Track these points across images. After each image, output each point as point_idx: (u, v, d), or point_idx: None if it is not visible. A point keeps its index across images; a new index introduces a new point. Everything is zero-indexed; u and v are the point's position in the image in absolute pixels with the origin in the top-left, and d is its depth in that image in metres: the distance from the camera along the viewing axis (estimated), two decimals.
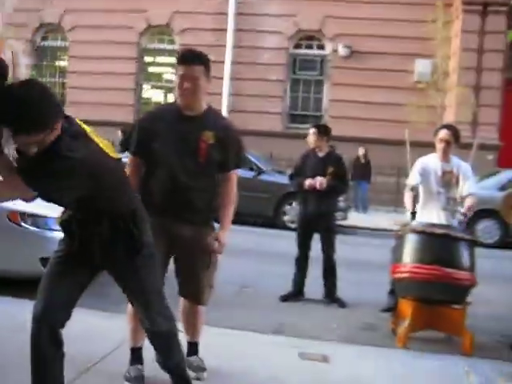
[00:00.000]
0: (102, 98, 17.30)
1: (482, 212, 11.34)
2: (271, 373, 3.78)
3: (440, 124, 12.02)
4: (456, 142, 5.23)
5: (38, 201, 2.67)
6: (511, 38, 7.54)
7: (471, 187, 5.20)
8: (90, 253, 2.73)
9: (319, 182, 6.11)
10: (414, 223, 5.08)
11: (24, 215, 5.44)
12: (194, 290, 3.51)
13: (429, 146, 5.58)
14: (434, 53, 15.89)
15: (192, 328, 3.65)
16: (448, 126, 5.49)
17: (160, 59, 18.85)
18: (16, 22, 17.44)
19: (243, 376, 3.70)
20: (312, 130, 6.40)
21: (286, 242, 7.69)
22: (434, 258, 4.60)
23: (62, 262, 2.80)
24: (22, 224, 5.40)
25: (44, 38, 19.29)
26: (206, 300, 3.55)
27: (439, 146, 5.21)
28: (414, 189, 5.33)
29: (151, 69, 19.06)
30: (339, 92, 16.89)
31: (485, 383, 3.97)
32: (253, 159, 12.42)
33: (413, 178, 5.33)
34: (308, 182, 6.15)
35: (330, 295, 6.19)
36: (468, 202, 5.05)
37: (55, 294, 2.74)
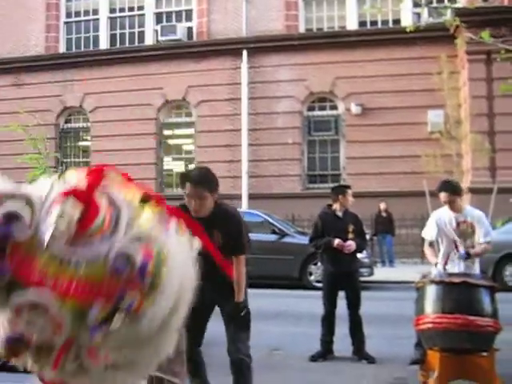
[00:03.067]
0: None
1: (509, 256, 11.33)
2: None
3: (455, 173, 12.13)
4: (459, 196, 5.38)
5: None
6: (503, 89, 7.68)
7: (487, 235, 5.33)
8: None
9: (348, 246, 6.27)
10: (432, 274, 5.19)
11: None
12: None
13: None
14: (444, 103, 16.19)
15: None
16: (445, 187, 5.43)
17: (178, 132, 19.46)
18: (40, 108, 18.30)
19: None
20: (350, 191, 6.61)
21: (313, 302, 7.78)
22: (455, 307, 4.68)
23: None
24: None
25: (67, 121, 20.10)
26: None
27: (444, 205, 5.39)
28: (432, 243, 5.50)
29: (170, 142, 19.63)
30: (355, 149, 17.19)
31: None
32: (274, 222, 12.63)
33: (429, 234, 5.50)
34: (337, 242, 6.30)
35: (359, 352, 6.24)
36: (478, 247, 5.21)
37: None
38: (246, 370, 4.14)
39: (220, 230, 3.74)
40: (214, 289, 3.75)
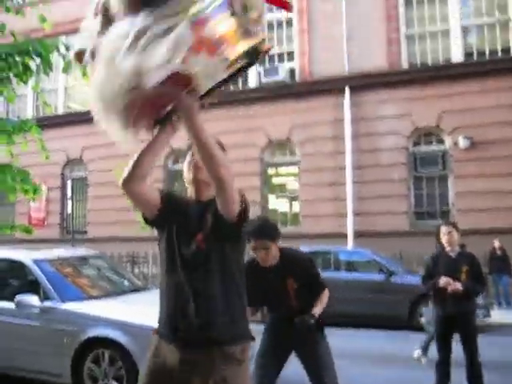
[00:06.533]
0: None
1: None
2: None
3: None
4: None
5: None
6: None
7: None
8: None
9: (453, 286, 5.92)
10: None
11: None
12: None
13: None
14: None
15: None
16: None
17: (282, 170, 19.59)
18: None
19: None
20: (446, 229, 6.20)
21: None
22: None
23: None
24: None
25: (175, 163, 20.82)
26: None
27: None
28: None
29: (275, 180, 19.74)
30: (465, 184, 16.54)
31: None
32: (382, 261, 12.33)
33: None
34: (443, 280, 5.97)
35: None
36: None
37: None
38: None
39: (293, 274, 4.02)
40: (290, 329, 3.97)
